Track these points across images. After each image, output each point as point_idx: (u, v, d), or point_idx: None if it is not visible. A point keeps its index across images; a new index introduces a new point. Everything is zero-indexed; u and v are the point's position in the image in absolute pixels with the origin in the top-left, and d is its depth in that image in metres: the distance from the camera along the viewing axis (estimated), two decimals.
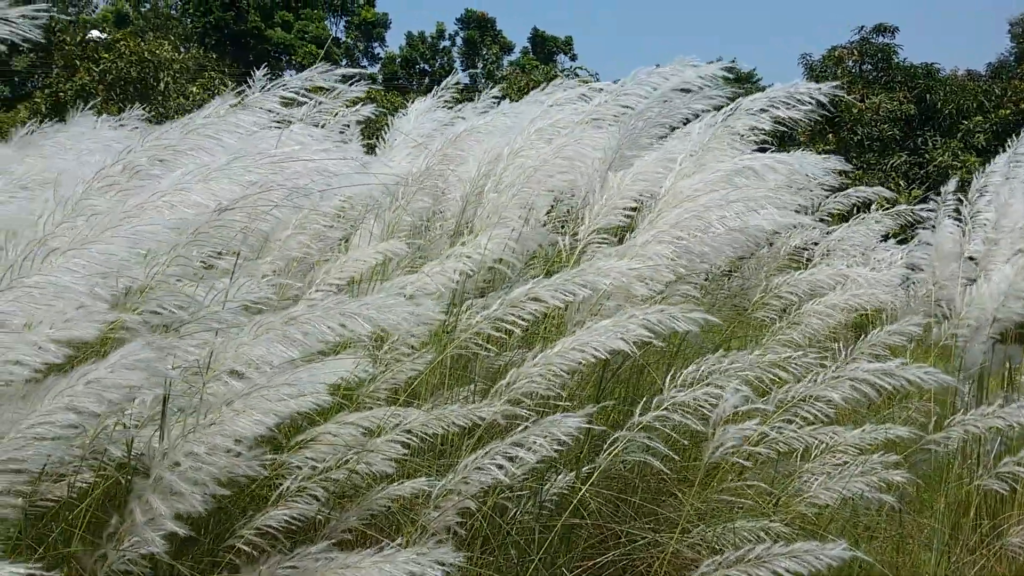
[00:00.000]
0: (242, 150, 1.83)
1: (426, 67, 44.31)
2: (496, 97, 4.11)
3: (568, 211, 3.57)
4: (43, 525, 1.88)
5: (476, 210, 3.23)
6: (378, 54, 44.46)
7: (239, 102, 1.90)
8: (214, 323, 1.77)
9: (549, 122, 3.37)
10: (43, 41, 2.08)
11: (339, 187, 2.27)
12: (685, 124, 3.56)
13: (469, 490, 2.06)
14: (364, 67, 43.45)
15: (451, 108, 3.91)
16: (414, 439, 2.27)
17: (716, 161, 3.32)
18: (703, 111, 3.52)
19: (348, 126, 3.52)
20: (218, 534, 2.18)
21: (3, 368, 1.51)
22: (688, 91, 3.46)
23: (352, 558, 1.71)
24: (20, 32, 1.79)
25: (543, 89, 3.88)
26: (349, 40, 43.36)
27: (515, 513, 2.47)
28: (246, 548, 2.10)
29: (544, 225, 3.33)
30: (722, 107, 3.43)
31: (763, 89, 3.53)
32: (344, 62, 42.37)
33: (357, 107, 3.27)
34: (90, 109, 3.75)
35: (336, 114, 3.20)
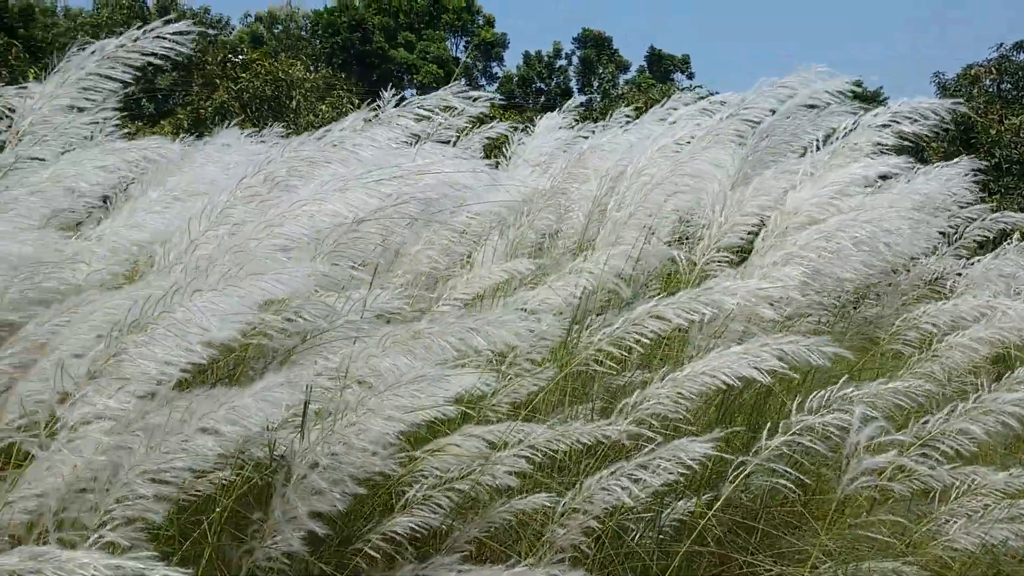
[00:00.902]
0: (377, 163, 1.89)
1: (542, 86, 44.70)
2: (628, 116, 4.12)
3: (688, 229, 3.52)
4: (185, 518, 1.98)
5: (598, 228, 3.23)
6: (496, 73, 45.19)
7: (374, 117, 1.97)
8: (351, 332, 1.83)
9: (672, 139, 3.34)
10: (185, 61, 2.22)
11: (473, 203, 2.31)
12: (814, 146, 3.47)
13: (594, 510, 2.05)
14: (482, 86, 44.23)
15: (573, 128, 3.94)
16: (537, 455, 2.29)
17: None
18: (831, 129, 3.43)
19: (463, 144, 3.59)
20: (344, 538, 2.24)
21: (157, 367, 1.61)
22: (814, 106, 3.37)
23: (485, 572, 1.73)
24: (173, 48, 1.91)
25: (663, 105, 3.86)
26: (468, 60, 44.26)
27: (635, 536, 2.44)
28: (372, 552, 2.16)
29: (668, 244, 3.30)
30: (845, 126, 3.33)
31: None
32: (463, 81, 43.15)
33: (490, 125, 3.34)
34: (232, 126, 3.96)
35: (465, 132, 3.27)
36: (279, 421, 1.82)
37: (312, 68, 17.55)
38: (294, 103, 14.95)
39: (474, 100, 2.43)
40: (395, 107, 2.06)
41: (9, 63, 14.29)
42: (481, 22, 44.48)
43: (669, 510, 2.48)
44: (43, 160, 2.11)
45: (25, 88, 2.10)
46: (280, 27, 37.28)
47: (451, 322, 1.88)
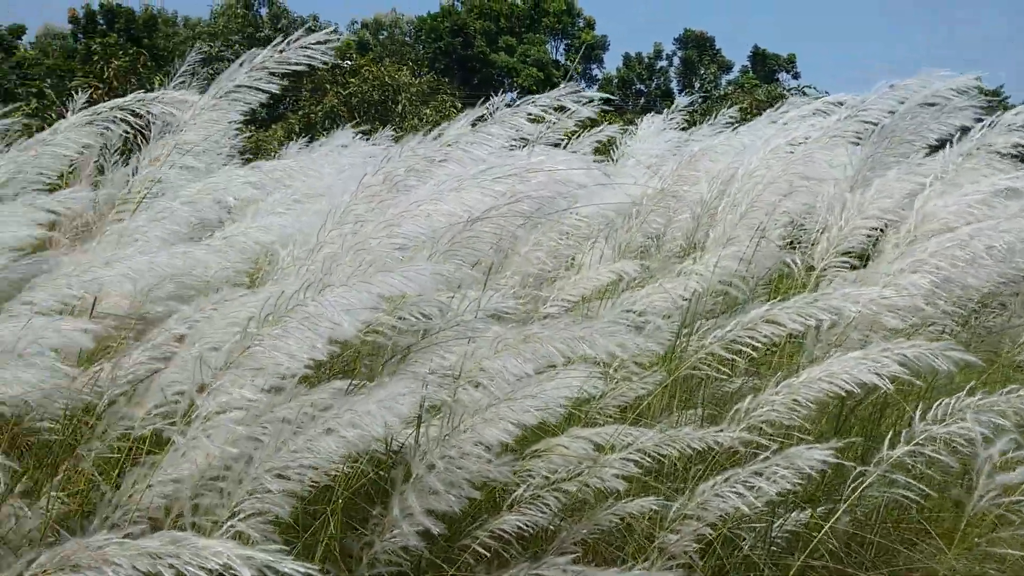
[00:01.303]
0: (490, 162, 1.91)
1: (642, 88, 44.31)
2: (732, 118, 4.04)
3: (802, 232, 3.42)
4: (303, 507, 2.05)
5: (708, 231, 3.17)
6: (595, 75, 45.05)
7: (488, 116, 1.99)
8: (466, 332, 1.86)
9: (785, 140, 3.26)
10: (306, 69, 2.29)
11: (584, 205, 2.31)
12: (938, 144, 3.32)
13: (708, 517, 2.02)
14: (582, 88, 44.10)
15: (685, 130, 3.89)
16: (645, 459, 2.27)
17: (971, 183, 3.07)
18: (958, 128, 3.27)
19: (572, 147, 3.59)
20: (452, 534, 2.28)
21: (288, 359, 1.67)
22: (934, 104, 3.23)
23: (598, 574, 1.73)
24: (315, 57, 1.98)
25: (777, 108, 3.76)
26: (569, 62, 44.26)
27: (746, 545, 2.39)
28: (480, 549, 2.19)
29: (780, 248, 3.21)
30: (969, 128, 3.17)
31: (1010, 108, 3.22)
32: (563, 84, 43.16)
33: (599, 128, 3.33)
34: (339, 129, 4.09)
35: (575, 135, 3.28)
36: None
37: (417, 73, 17.95)
38: (400, 107, 15.29)
39: (588, 102, 2.42)
40: (507, 107, 2.08)
41: (138, 71, 15.14)
42: (581, 24, 44.42)
43: (782, 520, 2.42)
44: (197, 168, 2.23)
45: (179, 98, 2.21)
46: (385, 33, 38.15)
47: (561, 328, 1.89)
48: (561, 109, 2.76)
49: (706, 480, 2.10)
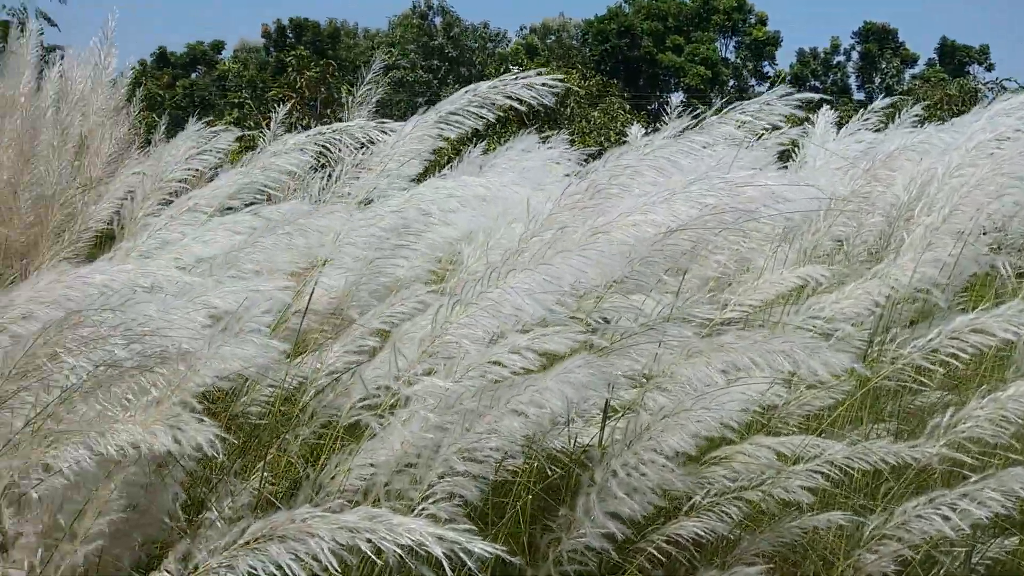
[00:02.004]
0: (694, 171, 1.90)
1: (817, 84, 42.42)
2: (917, 115, 3.80)
3: (1007, 235, 3.17)
4: (488, 501, 2.11)
5: (904, 234, 3.00)
6: (767, 73, 43.57)
7: (694, 125, 1.98)
8: (658, 336, 1.86)
9: (991, 135, 3.02)
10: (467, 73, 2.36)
11: (771, 208, 2.25)
12: None
13: (911, 539, 1.91)
14: (751, 87, 42.80)
15: (877, 130, 3.70)
16: (834, 471, 2.18)
17: None
18: None
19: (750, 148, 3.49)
20: (626, 536, 2.28)
21: (488, 368, 1.74)
22: None
23: None
24: (538, 98, 2.04)
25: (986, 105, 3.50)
26: (738, 60, 43.05)
27: (942, 571, 2.24)
28: (656, 553, 2.18)
29: (986, 252, 2.99)
30: None
31: None
32: (732, 82, 42.15)
33: (781, 130, 3.23)
34: (507, 134, 4.18)
35: (760, 136, 3.19)
36: (579, 402, 1.87)
37: (585, 76, 18.02)
38: (568, 110, 15.38)
39: (801, 105, 2.35)
40: (715, 114, 2.05)
41: (327, 80, 16.11)
42: (752, 21, 43.08)
43: (985, 547, 2.25)
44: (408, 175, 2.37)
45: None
46: (552, 37, 38.55)
47: (758, 340, 1.85)
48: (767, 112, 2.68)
49: (904, 499, 1.99)
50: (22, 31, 3.24)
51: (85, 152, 3.10)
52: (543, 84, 2.17)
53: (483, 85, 2.31)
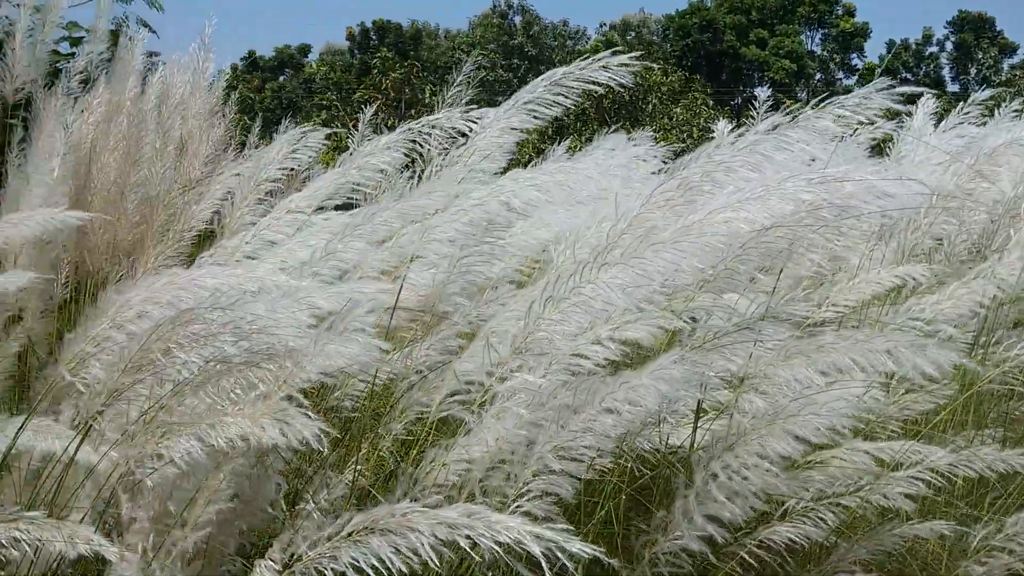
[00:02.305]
0: (789, 168, 1.85)
1: (908, 76, 40.95)
2: (1016, 111, 3.63)
3: None
4: (580, 501, 2.11)
5: (1010, 232, 2.87)
6: (855, 65, 42.28)
7: (791, 120, 1.93)
8: (752, 335, 1.82)
9: None
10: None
11: (891, 208, 2.18)
12: None
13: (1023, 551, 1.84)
14: (839, 80, 41.62)
15: (982, 124, 3.55)
16: (937, 479, 2.10)
17: None
18: None
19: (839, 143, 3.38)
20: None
21: (571, 360, 1.74)
22: None
23: None
24: (616, 78, 2.03)
25: None
26: (825, 52, 41.91)
27: None
28: (747, 558, 2.14)
29: None
30: None
31: None
32: (818, 76, 41.09)
33: (876, 124, 3.13)
34: (588, 131, 4.15)
35: (855, 131, 3.10)
36: (672, 401, 1.86)
37: (667, 72, 17.80)
38: (650, 106, 15.22)
39: (907, 100, 2.26)
40: (813, 109, 2.00)
41: (411, 81, 16.37)
42: (840, 12, 41.88)
43: None
44: (491, 170, 2.38)
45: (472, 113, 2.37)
46: (632, 33, 38.23)
47: (860, 339, 1.80)
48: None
49: (1014, 509, 1.91)
50: (129, 40, 3.39)
51: (185, 154, 3.22)
52: (619, 65, 2.15)
53: (558, 71, 2.29)
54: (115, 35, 3.47)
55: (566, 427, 1.66)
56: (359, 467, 2.11)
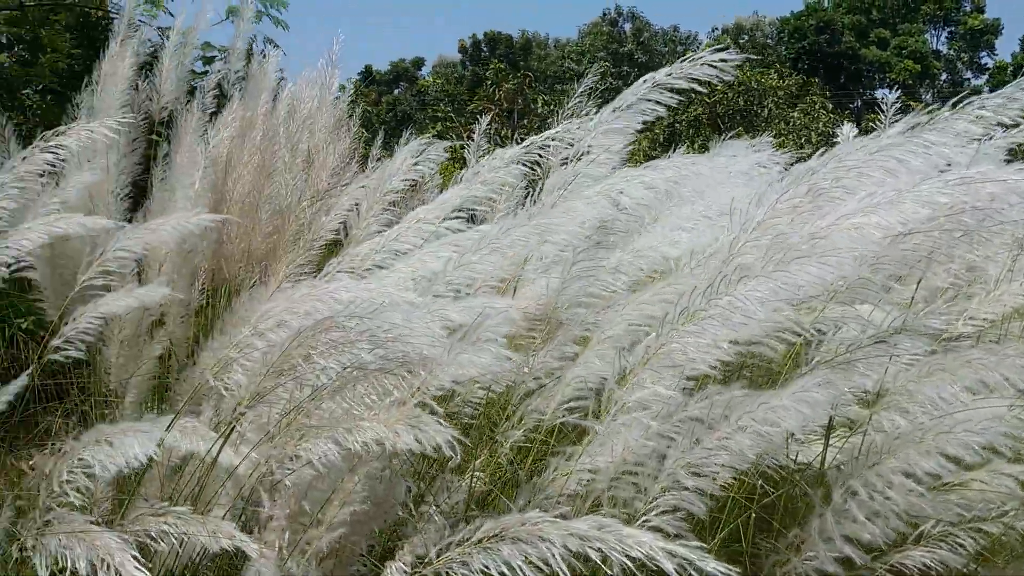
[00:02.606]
0: (924, 172, 1.77)
1: None
2: None
3: None
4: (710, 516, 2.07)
5: None
6: (985, 64, 40.04)
7: (928, 122, 1.84)
8: (889, 350, 1.75)
9: None
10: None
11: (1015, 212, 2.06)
12: None
13: None
14: (967, 80, 39.50)
15: None
16: None
17: None
18: None
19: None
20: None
21: (701, 355, 1.70)
22: None
23: None
24: (716, 74, 1.99)
25: None
26: (951, 51, 39.87)
27: None
28: None
29: None
30: None
31: None
32: (944, 76, 39.12)
33: (1019, 127, 2.95)
34: (700, 138, 4.06)
35: (992, 136, 2.93)
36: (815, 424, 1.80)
37: (782, 75, 17.28)
38: (766, 112, 14.81)
39: None
40: (951, 110, 1.90)
41: (523, 91, 16.55)
42: (968, 9, 39.74)
43: None
44: (599, 174, 2.38)
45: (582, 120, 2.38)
46: (746, 37, 37.39)
47: (1009, 354, 1.70)
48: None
49: None
50: (263, 57, 3.57)
51: (312, 166, 3.35)
52: (721, 61, 2.11)
53: (661, 72, 2.27)
54: (248, 54, 3.65)
55: (699, 444, 1.63)
56: (478, 472, 2.14)
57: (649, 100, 2.32)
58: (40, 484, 1.54)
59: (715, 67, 2.11)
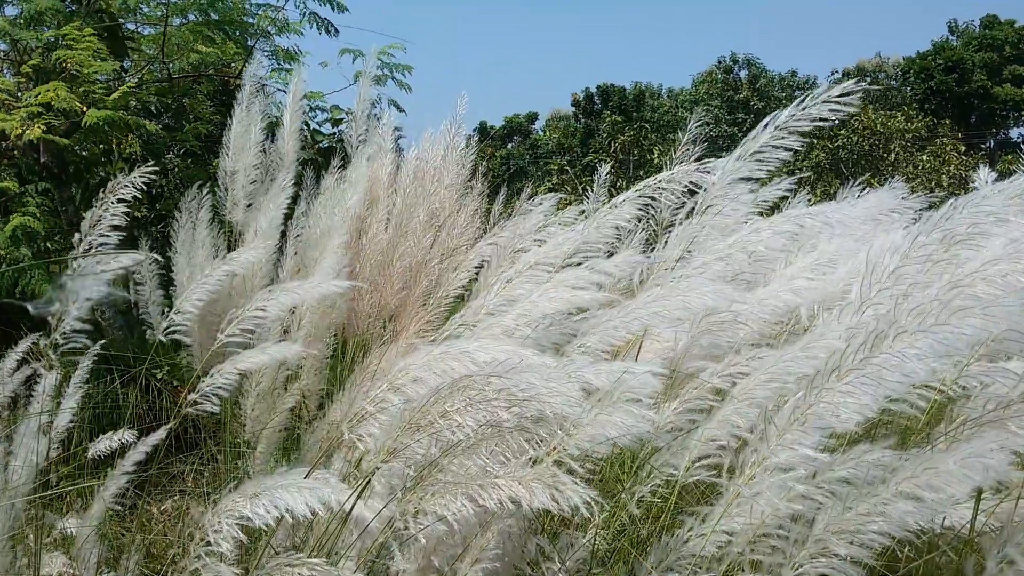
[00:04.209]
0: None
1: None
2: None
3: None
4: None
5: None
6: None
7: None
8: None
9: None
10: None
11: None
12: None
13: None
14: None
15: None
16: None
17: None
18: None
19: None
20: None
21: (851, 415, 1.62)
22: None
23: None
24: (839, 109, 1.95)
25: None
26: None
27: None
28: None
29: None
30: None
31: None
32: None
33: None
34: (820, 184, 3.92)
35: None
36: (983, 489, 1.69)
37: (910, 117, 16.66)
38: (892, 156, 14.28)
39: None
40: None
41: (640, 143, 16.61)
42: None
43: None
44: (727, 226, 2.35)
45: (706, 166, 2.36)
46: (868, 79, 36.30)
47: None
48: None
49: None
50: (386, 120, 3.73)
51: (443, 224, 3.44)
52: (843, 94, 2.05)
53: (783, 114, 2.23)
54: (375, 117, 3.82)
55: (852, 509, 1.55)
56: (602, 529, 2.10)
57: (771, 146, 2.29)
58: (191, 532, 1.62)
59: (837, 103, 2.06)
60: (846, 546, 1.52)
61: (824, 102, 2.16)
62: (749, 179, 2.43)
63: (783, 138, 2.21)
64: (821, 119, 2.19)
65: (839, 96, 2.14)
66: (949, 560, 1.97)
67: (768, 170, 2.39)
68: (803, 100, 2.21)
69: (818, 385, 1.59)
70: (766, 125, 2.25)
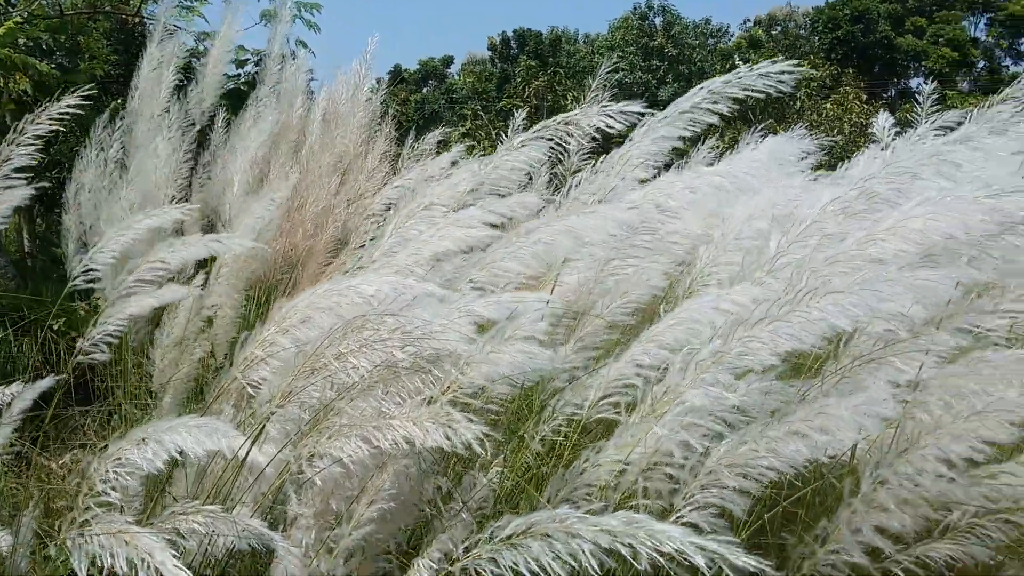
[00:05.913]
0: (983, 177, 1.75)
1: None
2: None
3: None
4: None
5: None
6: None
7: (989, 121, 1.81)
8: (927, 343, 1.73)
9: None
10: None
11: None
12: None
13: None
14: (1006, 67, 38.67)
15: None
16: None
17: None
18: None
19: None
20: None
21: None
22: None
23: None
24: (776, 87, 1.98)
25: None
26: (990, 39, 39.04)
27: None
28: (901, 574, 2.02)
29: None
30: None
31: None
32: (981, 64, 38.31)
33: None
34: (730, 130, 4.01)
35: None
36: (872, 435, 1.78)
37: (815, 66, 16.96)
38: (798, 104, 14.61)
39: None
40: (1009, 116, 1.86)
41: (554, 88, 16.51)
42: None
43: None
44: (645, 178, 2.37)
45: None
46: (779, 28, 36.95)
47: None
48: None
49: None
50: (293, 59, 3.62)
51: (348, 168, 3.38)
52: (780, 72, 2.09)
53: (716, 81, 2.25)
54: (282, 58, 3.70)
55: (746, 444, 1.61)
56: (504, 468, 2.14)
57: (702, 109, 2.31)
58: (79, 483, 1.58)
59: (771, 78, 2.09)
60: (736, 479, 1.58)
61: (760, 75, 2.18)
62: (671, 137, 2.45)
63: (716, 103, 2.23)
64: (753, 89, 2.21)
65: (778, 72, 2.16)
66: (832, 486, 2.08)
67: (694, 130, 2.41)
68: (748, 68, 2.22)
69: (740, 335, 1.64)
70: (701, 89, 2.27)
